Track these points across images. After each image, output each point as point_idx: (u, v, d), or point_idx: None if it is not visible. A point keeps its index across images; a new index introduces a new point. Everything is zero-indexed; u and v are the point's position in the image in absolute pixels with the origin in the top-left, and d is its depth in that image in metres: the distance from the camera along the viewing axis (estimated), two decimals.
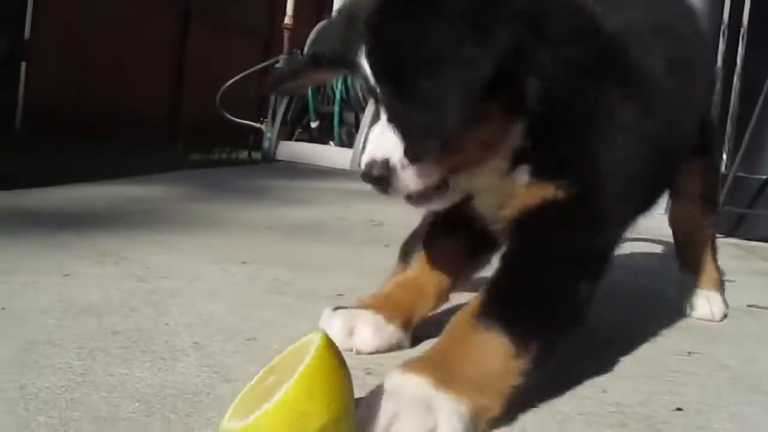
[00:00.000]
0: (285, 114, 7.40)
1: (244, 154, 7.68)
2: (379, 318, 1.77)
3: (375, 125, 1.54)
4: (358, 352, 1.73)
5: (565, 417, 1.49)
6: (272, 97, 7.68)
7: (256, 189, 4.91)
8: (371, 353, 1.73)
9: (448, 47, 1.38)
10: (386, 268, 2.64)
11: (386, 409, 1.24)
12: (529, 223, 1.59)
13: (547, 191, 1.56)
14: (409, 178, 1.49)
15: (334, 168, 6.83)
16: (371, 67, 1.49)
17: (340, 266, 2.72)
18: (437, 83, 1.37)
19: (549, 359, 1.48)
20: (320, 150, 7.26)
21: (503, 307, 1.46)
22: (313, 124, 7.47)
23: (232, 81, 7.55)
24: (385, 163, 1.46)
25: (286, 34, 7.82)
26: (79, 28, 7.77)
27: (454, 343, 1.42)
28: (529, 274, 1.55)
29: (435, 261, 1.87)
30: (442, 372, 1.32)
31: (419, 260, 1.89)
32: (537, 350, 1.42)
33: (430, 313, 1.88)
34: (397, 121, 1.47)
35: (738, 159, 4.69)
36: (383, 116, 1.51)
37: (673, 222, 2.48)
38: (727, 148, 5.38)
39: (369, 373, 1.60)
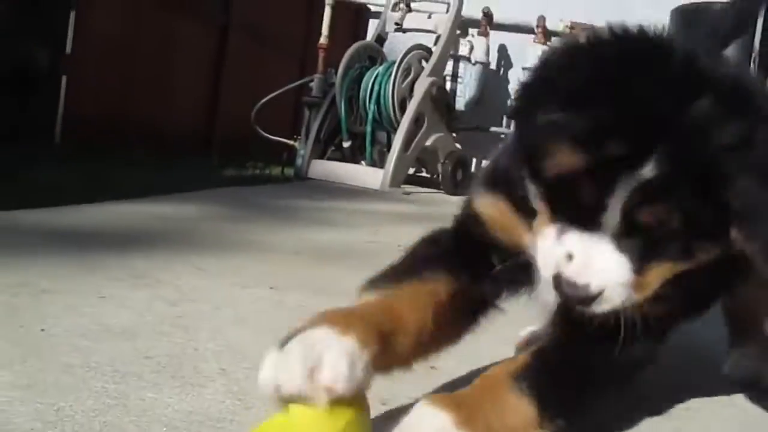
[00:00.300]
0: (318, 132, 7.52)
1: (277, 171, 7.81)
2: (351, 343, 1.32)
3: (584, 233, 1.43)
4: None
5: None
6: (306, 115, 7.80)
7: (286, 209, 5.03)
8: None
9: None
10: None
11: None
12: None
13: None
14: (600, 311, 1.44)
15: (365, 188, 6.93)
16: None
17: None
18: None
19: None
20: (352, 169, 7.36)
21: (543, 377, 1.50)
22: (346, 144, 7.57)
23: (266, 99, 7.69)
24: (600, 293, 1.41)
25: (320, 54, 7.95)
26: (119, 43, 7.95)
27: (485, 391, 1.46)
28: (581, 352, 1.59)
29: (419, 293, 1.60)
30: (466, 412, 1.37)
31: (395, 289, 1.60)
32: (561, 423, 1.48)
33: (411, 361, 1.56)
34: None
35: None
36: (606, 232, 1.40)
37: (731, 304, 2.26)
38: None
39: (384, 404, 1.69)
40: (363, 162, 7.61)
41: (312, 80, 7.87)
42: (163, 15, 8.52)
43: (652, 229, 1.40)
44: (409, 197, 6.69)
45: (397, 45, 8.01)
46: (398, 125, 7.17)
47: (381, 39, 8.14)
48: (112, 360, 1.75)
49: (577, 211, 1.43)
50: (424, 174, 8.10)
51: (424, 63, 7.52)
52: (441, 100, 7.47)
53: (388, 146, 7.46)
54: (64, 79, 7.32)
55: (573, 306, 1.45)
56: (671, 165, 1.35)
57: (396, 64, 7.36)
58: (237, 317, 2.27)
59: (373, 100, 7.37)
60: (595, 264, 1.41)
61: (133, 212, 4.05)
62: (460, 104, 8.38)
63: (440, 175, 7.52)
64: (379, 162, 7.47)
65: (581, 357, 1.60)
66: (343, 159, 7.60)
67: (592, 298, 1.41)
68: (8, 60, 6.69)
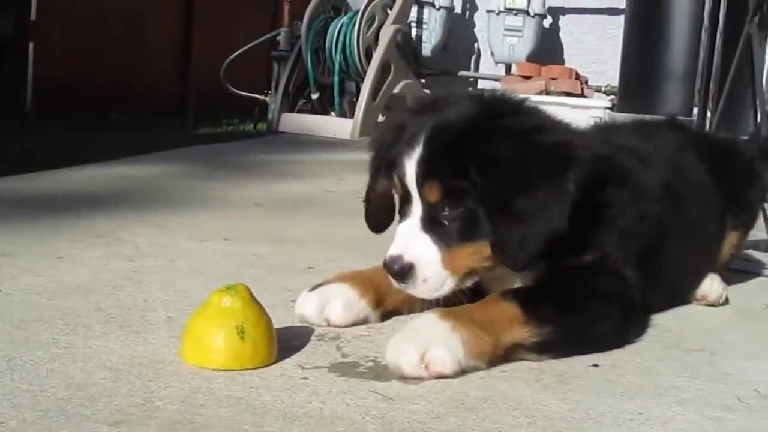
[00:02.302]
0: (287, 86, 7.56)
1: (250, 126, 7.88)
2: (353, 293, 1.96)
3: (404, 221, 1.87)
4: (331, 325, 1.93)
5: (486, 374, 1.71)
6: (275, 70, 7.83)
7: (253, 164, 5.11)
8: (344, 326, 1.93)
9: (544, 177, 1.81)
10: (359, 241, 2.85)
11: (401, 330, 1.74)
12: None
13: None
14: (425, 290, 1.84)
15: (336, 138, 7.01)
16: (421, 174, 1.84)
17: (316, 239, 2.94)
18: (535, 204, 1.79)
19: (558, 349, 1.82)
20: (322, 121, 7.42)
21: (527, 295, 1.85)
22: (314, 95, 7.62)
23: (233, 56, 7.70)
24: (409, 267, 1.81)
25: (286, 6, 7.95)
26: (84, 5, 7.95)
27: (477, 303, 1.83)
28: (557, 288, 1.91)
29: None
30: (453, 313, 1.74)
31: None
32: (546, 333, 1.78)
33: (403, 310, 2.05)
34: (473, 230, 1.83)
35: (716, 118, 4.81)
36: (415, 215, 1.85)
37: None
38: (711, 108, 5.50)
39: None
40: (333, 113, 7.67)
41: (279, 34, 7.88)
42: None
43: (437, 203, 1.82)
44: None
45: None
46: (365, 74, 7.23)
47: None
48: (64, 314, 1.88)
49: (402, 210, 1.91)
50: None
51: (388, 10, 7.55)
52: (407, 46, 7.51)
53: (358, 96, 7.52)
54: (31, 45, 7.34)
55: (398, 281, 1.84)
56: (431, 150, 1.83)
57: (360, 13, 7.39)
58: (190, 269, 2.39)
59: (338, 51, 7.40)
60: (407, 242, 1.84)
61: (101, 175, 4.14)
62: (426, 50, 8.42)
63: None
64: (349, 112, 7.54)
65: (563, 288, 1.92)
66: (313, 111, 7.66)
67: (408, 270, 1.81)
68: None
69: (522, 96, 2.02)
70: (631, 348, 1.97)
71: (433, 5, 8.45)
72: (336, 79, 7.49)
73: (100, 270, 2.29)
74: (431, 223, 1.85)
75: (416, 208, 1.86)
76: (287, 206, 3.66)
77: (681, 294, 2.39)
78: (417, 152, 1.85)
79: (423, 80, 8.07)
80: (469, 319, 1.72)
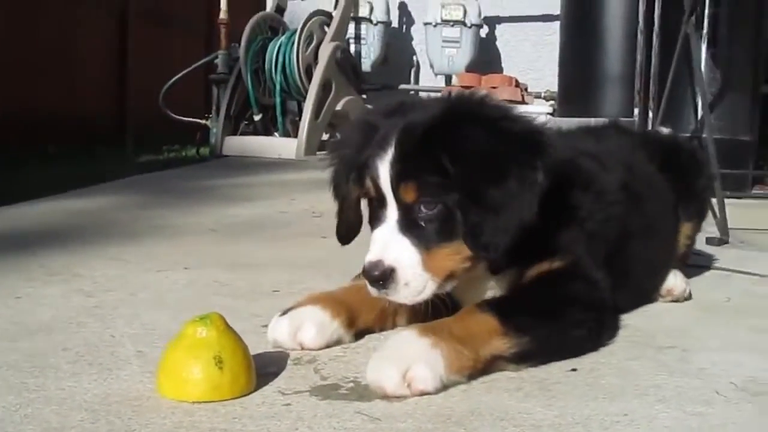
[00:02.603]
0: (228, 108, 7.50)
1: (193, 152, 7.80)
2: (324, 315, 1.93)
3: (380, 226, 1.84)
4: (305, 349, 1.90)
5: (468, 386, 1.70)
6: (214, 93, 7.77)
7: (202, 189, 5.05)
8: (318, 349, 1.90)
9: (515, 165, 1.80)
10: (321, 260, 2.83)
11: (381, 349, 1.72)
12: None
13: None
14: (407, 294, 1.81)
15: (281, 158, 6.98)
16: (395, 174, 1.81)
17: (277, 262, 2.91)
18: (506, 193, 1.78)
19: (536, 358, 1.82)
20: (266, 142, 7.39)
21: (503, 306, 1.84)
22: (257, 117, 7.58)
23: (171, 82, 7.63)
24: (390, 271, 1.78)
25: (222, 30, 7.90)
26: (16, 37, 7.79)
27: (455, 317, 1.82)
28: (532, 296, 1.92)
29: None
30: (431, 328, 1.73)
31: None
32: (524, 344, 1.78)
33: (375, 328, 2.03)
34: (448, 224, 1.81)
35: (659, 116, 4.90)
36: (392, 219, 1.82)
37: None
38: (653, 107, 5.60)
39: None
40: (276, 133, 7.63)
41: (216, 57, 7.82)
42: (60, 4, 8.37)
43: (413, 204, 1.81)
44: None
45: (297, 13, 8.03)
46: (307, 93, 7.21)
47: (281, 9, 8.13)
48: (30, 356, 1.82)
49: (375, 215, 1.87)
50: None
51: (326, 28, 7.55)
52: (346, 63, 7.51)
53: (300, 115, 7.49)
54: None
55: (379, 288, 1.80)
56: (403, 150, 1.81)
57: (298, 32, 7.37)
58: (153, 300, 2.34)
59: (278, 71, 7.37)
60: (385, 246, 1.81)
61: (47, 210, 4.05)
62: (366, 65, 8.46)
63: None
64: (292, 132, 7.50)
65: (538, 296, 1.92)
66: (255, 132, 7.61)
67: (389, 274, 1.78)
68: None
69: (485, 92, 2.02)
70: (605, 350, 1.98)
71: (370, 20, 8.48)
72: (277, 99, 7.46)
73: (61, 308, 2.23)
74: (408, 226, 1.83)
75: (391, 212, 1.84)
76: (242, 230, 3.62)
77: (648, 291, 2.43)
78: (389, 153, 1.83)
79: (364, 96, 8.08)
80: (448, 334, 1.71)
